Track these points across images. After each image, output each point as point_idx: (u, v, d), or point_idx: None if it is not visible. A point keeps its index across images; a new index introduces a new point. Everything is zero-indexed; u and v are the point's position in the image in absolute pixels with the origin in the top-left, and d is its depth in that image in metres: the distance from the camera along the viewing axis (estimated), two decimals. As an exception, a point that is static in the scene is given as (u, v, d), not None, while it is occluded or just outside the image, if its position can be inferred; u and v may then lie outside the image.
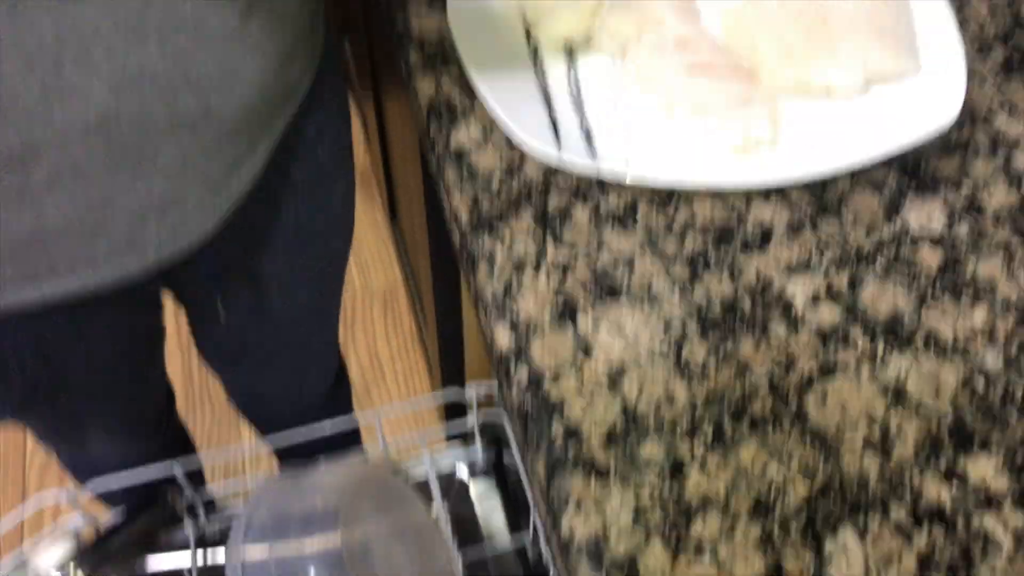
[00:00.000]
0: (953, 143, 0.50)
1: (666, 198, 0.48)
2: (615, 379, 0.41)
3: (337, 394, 0.97)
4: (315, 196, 0.67)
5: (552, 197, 0.48)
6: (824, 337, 0.43)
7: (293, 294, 0.74)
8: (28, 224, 0.47)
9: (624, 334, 0.43)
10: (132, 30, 0.43)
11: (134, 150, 0.47)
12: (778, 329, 0.43)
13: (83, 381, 0.66)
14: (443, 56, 0.54)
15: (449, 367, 1.11)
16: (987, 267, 0.46)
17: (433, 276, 1.01)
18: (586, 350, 0.42)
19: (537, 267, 0.45)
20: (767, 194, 0.48)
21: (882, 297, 0.45)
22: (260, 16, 0.49)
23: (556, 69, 0.51)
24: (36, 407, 0.66)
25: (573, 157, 0.47)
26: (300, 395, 0.90)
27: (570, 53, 0.52)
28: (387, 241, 1.60)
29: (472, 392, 0.70)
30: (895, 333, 0.43)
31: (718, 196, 0.48)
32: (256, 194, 0.57)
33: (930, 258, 0.46)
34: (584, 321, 0.43)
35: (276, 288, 0.72)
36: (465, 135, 0.51)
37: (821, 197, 0.48)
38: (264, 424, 0.97)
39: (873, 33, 0.50)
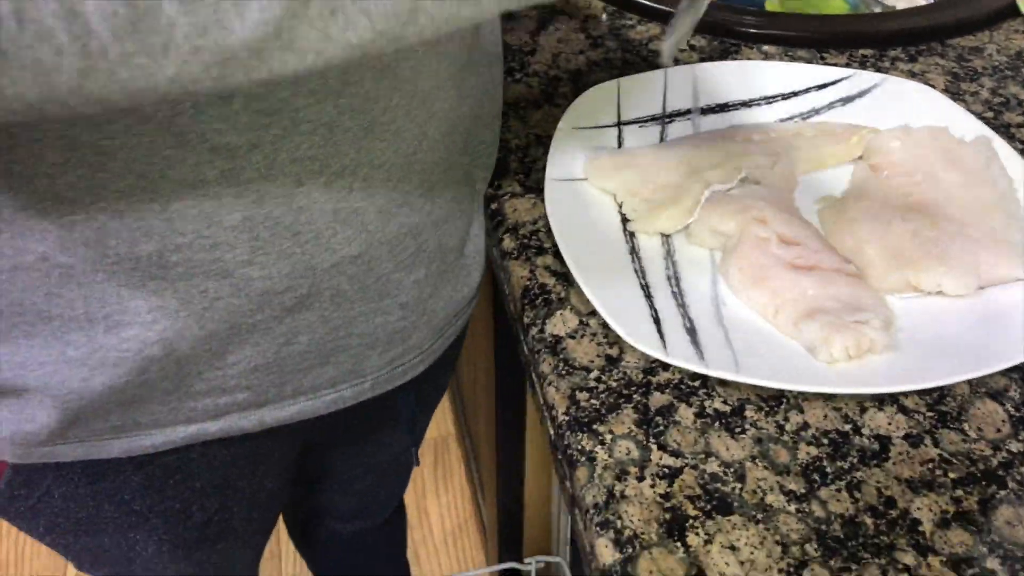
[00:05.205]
0: (1075, 350, 0.48)
1: (774, 402, 0.46)
2: (731, 609, 0.38)
3: (395, 520, 0.94)
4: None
5: (653, 396, 0.46)
6: (957, 567, 0.39)
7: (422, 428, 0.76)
8: (274, 348, 0.47)
9: (739, 556, 0.40)
10: (404, 163, 0.45)
11: (383, 281, 0.48)
12: (905, 557, 0.40)
13: (242, 525, 0.62)
14: (538, 243, 0.54)
15: (506, 534, 1.06)
16: None
17: (497, 434, 0.97)
18: (699, 572, 0.39)
19: (641, 475, 0.43)
20: (880, 400, 0.46)
21: (1021, 524, 0.41)
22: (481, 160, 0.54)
23: (654, 263, 0.50)
24: (196, 553, 0.61)
25: (680, 357, 0.45)
26: (370, 512, 0.87)
27: (668, 248, 0.51)
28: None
29: (532, 567, 0.66)
30: (1037, 567, 0.40)
31: (829, 400, 0.46)
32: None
33: (1066, 480, 0.43)
34: (694, 538, 0.40)
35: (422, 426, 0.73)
36: (561, 325, 0.50)
37: (939, 406, 0.46)
38: (320, 548, 0.93)
39: (985, 236, 0.49)
